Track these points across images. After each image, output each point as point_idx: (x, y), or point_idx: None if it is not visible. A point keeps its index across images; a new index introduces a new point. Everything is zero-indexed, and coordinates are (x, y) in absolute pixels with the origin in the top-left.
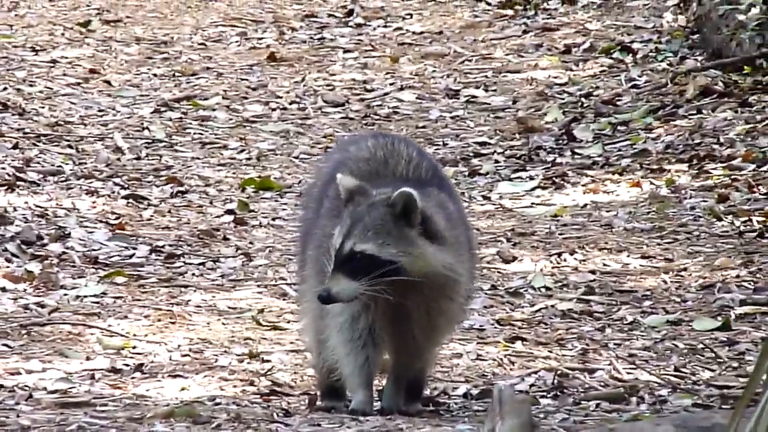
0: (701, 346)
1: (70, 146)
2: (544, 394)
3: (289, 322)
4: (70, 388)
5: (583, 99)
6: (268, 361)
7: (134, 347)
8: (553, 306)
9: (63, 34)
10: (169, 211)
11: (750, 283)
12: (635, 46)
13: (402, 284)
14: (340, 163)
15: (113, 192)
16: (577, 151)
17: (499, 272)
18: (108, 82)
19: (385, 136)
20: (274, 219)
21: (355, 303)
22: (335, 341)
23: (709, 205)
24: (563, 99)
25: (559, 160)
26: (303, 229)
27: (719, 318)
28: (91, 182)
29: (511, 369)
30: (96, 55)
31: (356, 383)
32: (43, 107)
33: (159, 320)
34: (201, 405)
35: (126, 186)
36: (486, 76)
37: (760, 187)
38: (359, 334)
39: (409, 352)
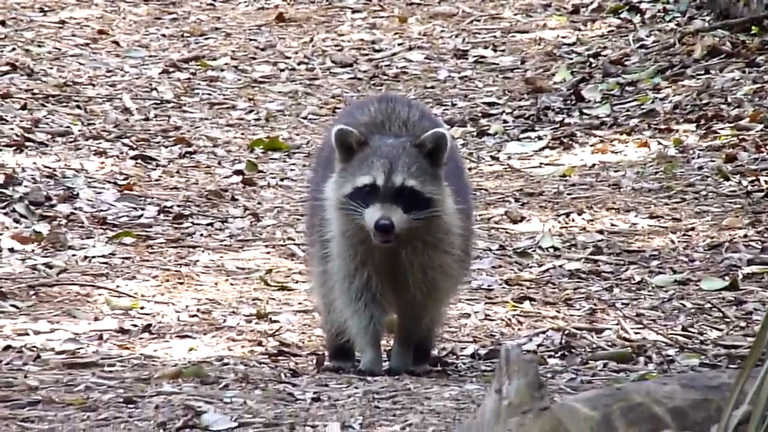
0: (709, 305)
1: (78, 107)
2: (552, 353)
3: (297, 282)
4: (78, 348)
5: (591, 59)
6: (276, 321)
7: (142, 308)
8: (561, 266)
9: None
10: (178, 172)
11: (757, 243)
12: (643, 6)
13: (403, 235)
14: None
15: (122, 153)
16: (585, 111)
17: (507, 232)
18: (116, 43)
19: (390, 99)
20: (282, 179)
21: (352, 260)
22: (340, 303)
23: (717, 165)
24: (571, 59)
25: (567, 120)
26: (312, 192)
27: (727, 278)
28: (100, 143)
29: (519, 329)
30: (104, 16)
31: (364, 343)
32: (51, 68)
33: (167, 281)
34: (209, 365)
35: (134, 147)
36: (494, 36)
37: (767, 147)
38: (360, 294)
39: (412, 311)
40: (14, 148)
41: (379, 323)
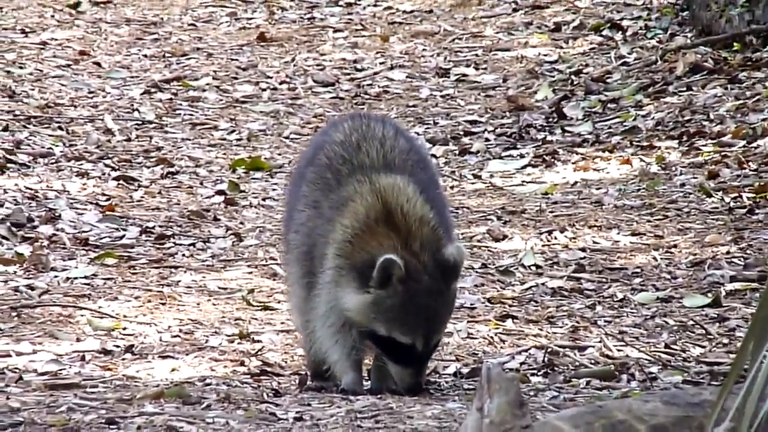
0: (691, 322)
1: (60, 128)
2: (535, 371)
3: (279, 302)
4: (60, 369)
5: (573, 77)
6: (258, 341)
7: (124, 328)
8: (543, 284)
9: (53, 16)
10: (160, 192)
11: (740, 260)
12: (625, 23)
13: None
14: (318, 146)
15: (103, 173)
16: (567, 128)
17: (489, 250)
18: (98, 64)
19: (363, 117)
20: (264, 199)
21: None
22: (321, 333)
23: (699, 181)
24: (553, 77)
25: (549, 138)
26: (287, 211)
27: (709, 294)
28: (82, 164)
29: (501, 347)
30: (86, 37)
31: (345, 366)
32: (33, 89)
33: (149, 301)
34: (191, 386)
35: (116, 167)
36: (476, 55)
37: (749, 164)
38: (343, 322)
39: None
40: None
41: (360, 351)
